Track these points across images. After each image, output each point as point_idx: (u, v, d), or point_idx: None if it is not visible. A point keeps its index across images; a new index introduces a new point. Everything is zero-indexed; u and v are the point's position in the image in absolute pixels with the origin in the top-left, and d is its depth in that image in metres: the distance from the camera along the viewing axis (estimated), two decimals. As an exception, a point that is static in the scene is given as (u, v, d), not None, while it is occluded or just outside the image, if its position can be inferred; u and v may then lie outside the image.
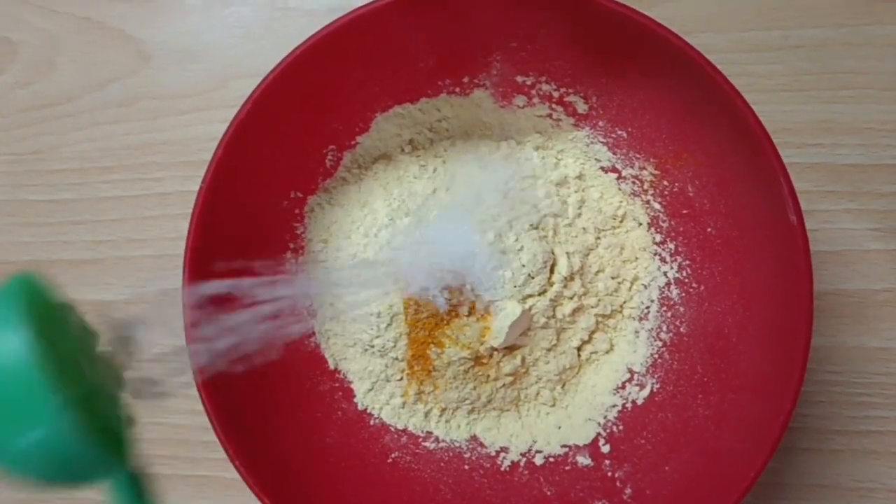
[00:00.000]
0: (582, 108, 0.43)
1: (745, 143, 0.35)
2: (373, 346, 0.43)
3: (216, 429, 0.38)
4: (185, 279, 0.38)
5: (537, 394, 0.45)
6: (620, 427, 0.43)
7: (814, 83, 0.46)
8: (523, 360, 0.44)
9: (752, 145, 0.34)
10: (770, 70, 0.46)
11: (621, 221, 0.45)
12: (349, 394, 0.45)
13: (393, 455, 0.44)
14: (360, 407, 0.45)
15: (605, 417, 0.44)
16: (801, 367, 0.33)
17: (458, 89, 0.43)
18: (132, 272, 0.52)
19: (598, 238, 0.44)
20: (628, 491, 0.40)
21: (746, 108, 0.34)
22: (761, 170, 0.34)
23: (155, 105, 0.52)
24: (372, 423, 0.45)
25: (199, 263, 0.39)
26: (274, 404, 0.42)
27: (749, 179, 0.36)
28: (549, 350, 0.44)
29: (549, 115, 0.44)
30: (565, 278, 0.43)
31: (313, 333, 0.45)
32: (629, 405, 0.43)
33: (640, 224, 0.44)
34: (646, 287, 0.44)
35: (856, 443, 0.45)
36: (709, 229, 0.41)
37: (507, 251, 0.42)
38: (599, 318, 0.45)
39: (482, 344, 0.43)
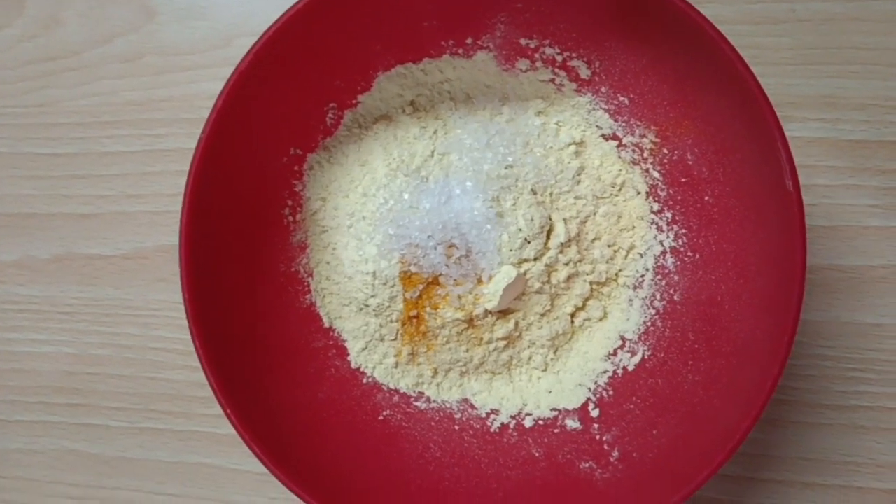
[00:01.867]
0: (585, 73, 0.43)
1: (745, 108, 0.35)
2: (368, 306, 0.44)
3: (210, 381, 0.38)
4: (182, 232, 0.38)
5: (529, 358, 0.45)
6: (610, 392, 0.43)
7: (819, 57, 0.46)
8: (517, 324, 0.44)
9: (751, 110, 0.34)
10: (776, 43, 0.46)
11: (620, 190, 0.45)
12: (343, 352, 0.45)
13: (384, 413, 0.44)
14: (353, 365, 0.45)
15: (595, 383, 0.44)
16: (790, 332, 0.33)
17: (461, 50, 0.43)
18: (132, 227, 0.52)
19: (596, 206, 0.44)
20: (615, 454, 0.41)
21: (747, 72, 0.33)
22: (760, 136, 0.34)
23: (159, 61, 0.52)
24: (364, 381, 0.45)
25: (198, 216, 0.39)
26: (268, 360, 0.42)
27: (748, 146, 0.36)
28: (542, 315, 0.44)
29: (552, 81, 0.44)
30: (562, 244, 0.43)
31: (309, 291, 0.45)
32: (620, 371, 0.43)
33: (639, 193, 0.44)
34: (641, 256, 0.44)
35: (845, 417, 0.45)
36: (706, 197, 0.41)
37: (505, 214, 0.43)
38: (594, 286, 0.45)
39: (476, 306, 0.43)
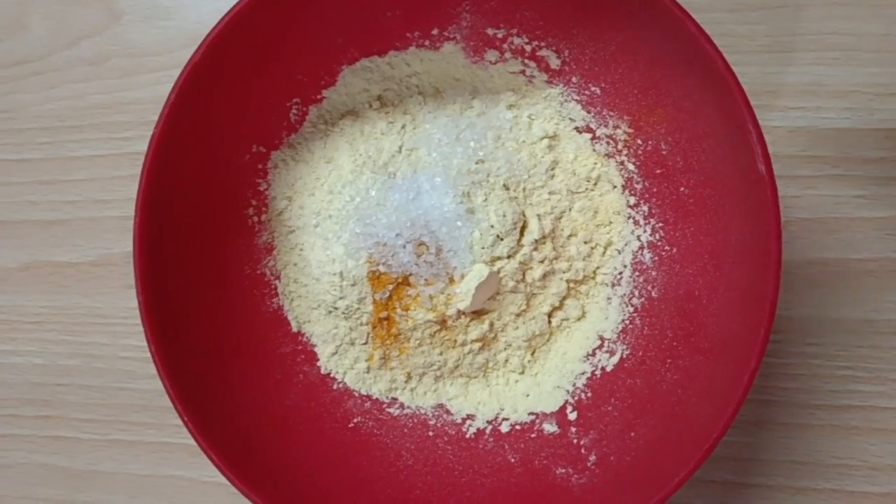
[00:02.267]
0: (555, 63, 0.41)
1: (715, 91, 0.33)
2: (336, 308, 0.42)
3: (167, 387, 0.37)
4: (136, 235, 0.37)
5: (506, 360, 0.44)
6: (589, 394, 0.41)
7: (798, 44, 0.44)
8: (492, 325, 0.42)
9: (720, 92, 0.33)
10: (752, 31, 0.44)
11: (595, 184, 0.43)
12: (312, 357, 0.44)
13: (354, 420, 0.43)
14: (323, 371, 0.43)
15: (573, 385, 0.42)
16: (767, 323, 0.32)
17: (427, 42, 0.41)
18: (100, 233, 0.51)
19: (572, 201, 0.43)
20: (592, 458, 0.39)
21: (714, 50, 0.32)
22: (730, 118, 0.33)
23: (126, 63, 0.51)
24: (335, 387, 0.43)
25: (153, 217, 0.37)
26: (232, 366, 0.41)
27: (719, 131, 0.35)
28: (518, 315, 0.43)
29: (523, 72, 0.42)
30: (536, 241, 0.42)
31: (276, 294, 0.43)
32: (598, 372, 0.42)
33: (615, 186, 0.43)
34: (619, 252, 0.43)
35: (836, 418, 0.43)
36: (682, 189, 0.39)
37: (476, 210, 0.41)
38: (571, 284, 0.43)
39: (449, 307, 0.42)
